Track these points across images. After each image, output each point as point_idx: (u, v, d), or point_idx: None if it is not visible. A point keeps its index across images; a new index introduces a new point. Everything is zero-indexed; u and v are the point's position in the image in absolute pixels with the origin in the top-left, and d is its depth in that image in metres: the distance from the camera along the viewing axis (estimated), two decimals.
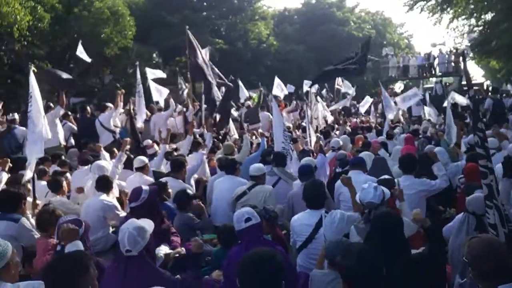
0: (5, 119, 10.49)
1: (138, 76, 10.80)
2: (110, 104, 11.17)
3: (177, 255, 3.96)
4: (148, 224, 3.08)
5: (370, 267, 2.20)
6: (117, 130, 10.41)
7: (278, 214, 4.19)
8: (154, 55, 25.65)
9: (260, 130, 11.47)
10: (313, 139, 9.81)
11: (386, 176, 4.47)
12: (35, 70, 5.94)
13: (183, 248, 4.07)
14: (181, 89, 14.61)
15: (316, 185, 4.00)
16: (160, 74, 14.47)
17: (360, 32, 37.27)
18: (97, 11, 17.44)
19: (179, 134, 10.97)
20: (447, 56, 25.27)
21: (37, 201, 5.21)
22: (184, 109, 12.48)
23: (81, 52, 12.25)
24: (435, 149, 6.72)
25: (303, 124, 14.64)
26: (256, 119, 12.36)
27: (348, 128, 12.92)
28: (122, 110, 10.79)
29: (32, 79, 5.80)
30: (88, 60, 12.29)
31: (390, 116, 13.77)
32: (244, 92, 16.05)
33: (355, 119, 15.71)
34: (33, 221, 4.51)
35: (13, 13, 12.56)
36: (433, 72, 26.10)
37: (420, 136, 10.28)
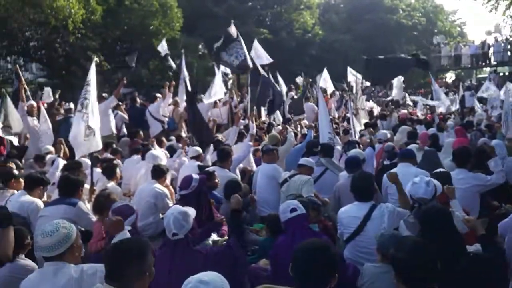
0: (62, 108, 11.02)
1: (183, 65, 10.98)
2: (158, 95, 11.51)
3: (225, 242, 4.05)
4: (190, 210, 3.22)
5: (424, 260, 2.17)
6: (166, 120, 10.72)
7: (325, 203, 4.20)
8: (200, 46, 26.00)
9: (305, 121, 11.41)
10: (357, 130, 9.65)
11: (442, 169, 4.32)
12: (98, 61, 6.21)
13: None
14: (226, 80, 14.71)
15: (365, 177, 3.94)
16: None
17: (410, 20, 35.99)
18: (146, 3, 17.90)
19: (223, 125, 11.14)
20: (502, 44, 23.97)
21: (94, 187, 5.47)
22: (229, 99, 12.61)
23: (162, 47, 12.63)
24: (491, 142, 6.43)
25: (348, 115, 14.42)
26: (301, 110, 12.31)
27: (396, 120, 12.58)
28: (170, 101, 11.07)
29: (93, 70, 6.10)
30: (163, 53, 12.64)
31: (440, 109, 13.26)
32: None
33: (404, 110, 15.23)
34: (89, 206, 4.75)
35: (68, 6, 13.13)
36: (488, 62, 24.85)
37: (474, 128, 9.86)
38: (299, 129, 10.29)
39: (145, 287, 2.38)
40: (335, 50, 31.55)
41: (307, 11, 31.62)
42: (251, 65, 10.22)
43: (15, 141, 7.74)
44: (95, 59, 5.99)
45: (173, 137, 9.37)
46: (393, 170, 4.41)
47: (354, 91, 15.14)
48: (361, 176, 3.96)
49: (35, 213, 4.45)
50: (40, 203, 4.66)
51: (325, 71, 15.91)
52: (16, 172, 5.70)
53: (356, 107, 12.67)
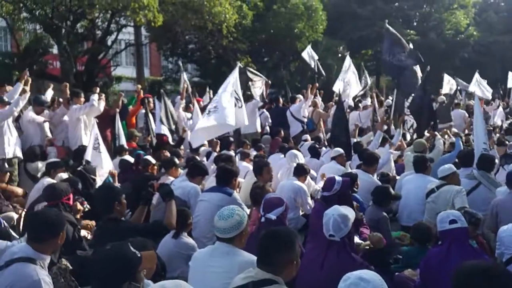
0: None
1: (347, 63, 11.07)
2: (299, 96, 11.83)
3: (367, 247, 4.03)
4: (350, 213, 3.21)
5: None
6: (305, 120, 10.95)
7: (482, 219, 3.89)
8: (341, 48, 25.88)
9: (454, 129, 10.57)
10: None
11: None
12: (241, 66, 6.79)
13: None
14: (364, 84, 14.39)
15: None
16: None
17: None
18: (293, 7, 18.49)
19: (364, 129, 10.96)
20: None
21: (239, 179, 5.89)
22: (369, 103, 12.37)
23: (308, 55, 13.11)
24: None
25: (505, 125, 12.86)
26: (447, 118, 11.42)
27: None
28: (311, 102, 11.27)
29: (236, 73, 6.66)
30: (312, 65, 13.08)
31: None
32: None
33: None
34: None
35: (224, 12, 14.30)
36: None
37: None
38: (446, 137, 9.59)
39: (292, 275, 2.55)
40: (492, 53, 28.43)
41: (460, 10, 29.07)
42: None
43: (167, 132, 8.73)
44: (239, 64, 6.52)
45: (308, 137, 9.55)
46: None
47: None
48: None
49: (195, 197, 4.99)
50: (198, 189, 5.21)
51: (476, 75, 14.46)
52: (177, 161, 6.47)
53: None
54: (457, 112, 12.13)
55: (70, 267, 3.11)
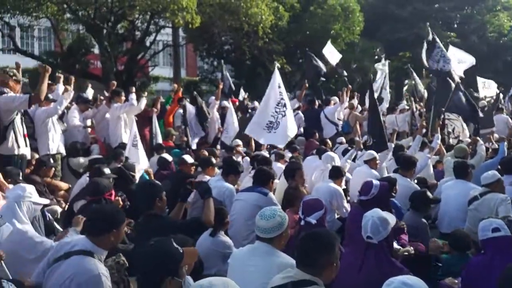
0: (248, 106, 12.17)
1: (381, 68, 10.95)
2: (334, 98, 11.74)
3: (406, 253, 3.96)
4: (390, 217, 3.17)
5: None
6: (340, 123, 10.84)
7: None
8: (378, 49, 25.44)
9: (496, 135, 10.20)
10: None
11: None
12: (279, 67, 6.79)
13: (412, 248, 4.04)
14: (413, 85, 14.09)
15: None
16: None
17: None
18: (329, 8, 18.33)
19: (402, 132, 10.77)
20: None
21: (276, 181, 5.90)
22: (407, 107, 12.16)
23: (328, 52, 12.95)
24: None
25: None
26: (489, 123, 11.03)
27: None
28: (347, 104, 11.15)
29: (277, 75, 6.66)
30: (332, 62, 12.96)
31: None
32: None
33: None
34: None
35: (260, 13, 14.35)
36: None
37: None
38: (488, 143, 9.27)
39: (332, 277, 2.54)
40: None
41: (504, 12, 27.99)
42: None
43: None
44: (277, 65, 6.50)
45: (343, 140, 9.45)
46: None
47: None
48: None
49: (230, 198, 5.04)
50: (233, 189, 5.25)
51: None
52: (213, 160, 6.56)
53: None
54: (499, 117, 11.69)
55: (127, 265, 3.14)
